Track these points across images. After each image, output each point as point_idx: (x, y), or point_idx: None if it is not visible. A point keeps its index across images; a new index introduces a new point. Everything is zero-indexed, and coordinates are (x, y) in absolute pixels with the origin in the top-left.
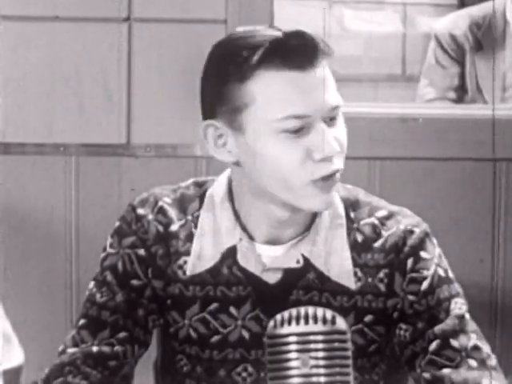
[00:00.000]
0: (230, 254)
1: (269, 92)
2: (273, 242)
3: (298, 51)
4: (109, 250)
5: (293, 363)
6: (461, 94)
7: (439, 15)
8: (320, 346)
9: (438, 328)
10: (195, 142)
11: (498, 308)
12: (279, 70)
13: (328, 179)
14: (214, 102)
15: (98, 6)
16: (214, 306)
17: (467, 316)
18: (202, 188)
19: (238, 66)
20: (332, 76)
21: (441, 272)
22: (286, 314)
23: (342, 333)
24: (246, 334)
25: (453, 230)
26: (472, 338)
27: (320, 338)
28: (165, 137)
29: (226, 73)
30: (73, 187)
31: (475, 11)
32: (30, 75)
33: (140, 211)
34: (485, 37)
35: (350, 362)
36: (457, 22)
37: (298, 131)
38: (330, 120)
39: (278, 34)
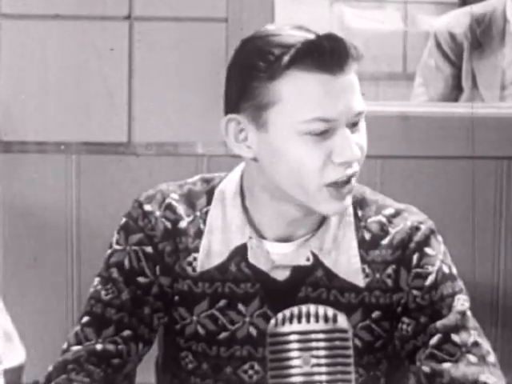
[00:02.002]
0: (240, 251)
1: (297, 93)
2: (283, 239)
3: (330, 54)
4: (115, 246)
5: (294, 362)
6: (455, 93)
7: (440, 13)
8: (321, 344)
9: (440, 323)
10: (196, 140)
11: (498, 307)
12: (310, 72)
13: (342, 186)
14: (239, 97)
15: (99, 5)
16: (222, 302)
17: (469, 313)
18: (209, 184)
19: (268, 64)
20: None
21: (445, 268)
22: (287, 312)
23: (344, 331)
24: (253, 331)
25: (453, 229)
26: (473, 334)
27: (321, 336)
28: (166, 135)
29: (254, 69)
30: (74, 185)
31: (476, 9)
32: (31, 73)
33: (147, 207)
34: (484, 35)
35: (351, 360)
36: (457, 21)
37: (322, 134)
38: (353, 125)
39: (311, 35)
